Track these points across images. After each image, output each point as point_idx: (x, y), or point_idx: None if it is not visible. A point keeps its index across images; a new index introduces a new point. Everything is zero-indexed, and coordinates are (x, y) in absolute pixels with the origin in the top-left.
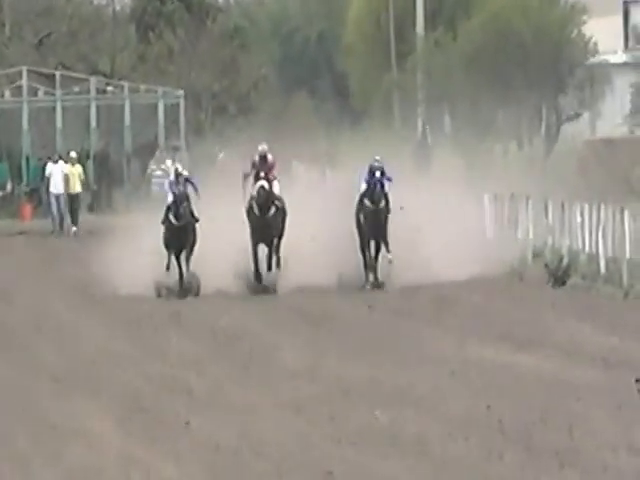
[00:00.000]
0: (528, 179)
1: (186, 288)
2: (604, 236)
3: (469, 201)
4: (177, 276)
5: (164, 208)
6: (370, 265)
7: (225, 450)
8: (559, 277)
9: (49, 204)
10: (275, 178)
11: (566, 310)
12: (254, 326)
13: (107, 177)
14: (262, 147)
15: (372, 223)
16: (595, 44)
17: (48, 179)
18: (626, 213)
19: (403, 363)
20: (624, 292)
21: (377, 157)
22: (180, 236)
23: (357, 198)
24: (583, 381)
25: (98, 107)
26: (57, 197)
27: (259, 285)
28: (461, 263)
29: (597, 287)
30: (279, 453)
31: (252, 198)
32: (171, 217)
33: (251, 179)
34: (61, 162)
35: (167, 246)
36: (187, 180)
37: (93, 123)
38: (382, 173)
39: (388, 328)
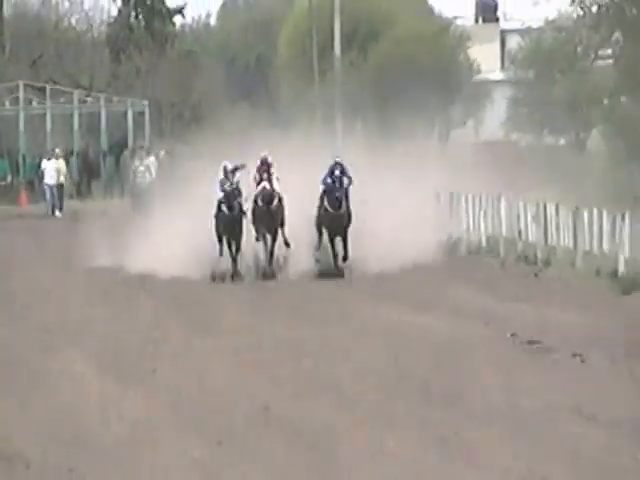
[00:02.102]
0: (428, 174)
1: (239, 272)
2: (485, 218)
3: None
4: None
5: (215, 202)
6: (333, 257)
7: (183, 390)
8: (448, 250)
9: (44, 192)
10: (275, 176)
11: (456, 278)
12: (207, 293)
13: (87, 170)
14: (264, 153)
15: (333, 226)
16: (478, 65)
17: (42, 172)
18: (502, 200)
19: (325, 322)
20: (500, 262)
21: (337, 157)
22: (233, 226)
23: (319, 196)
24: (468, 335)
25: (80, 114)
26: (50, 187)
27: (268, 268)
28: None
29: (480, 258)
30: (226, 392)
31: (257, 195)
32: (224, 209)
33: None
34: (53, 159)
35: (220, 235)
36: (234, 172)
37: (76, 127)
38: (342, 172)
39: (319, 295)
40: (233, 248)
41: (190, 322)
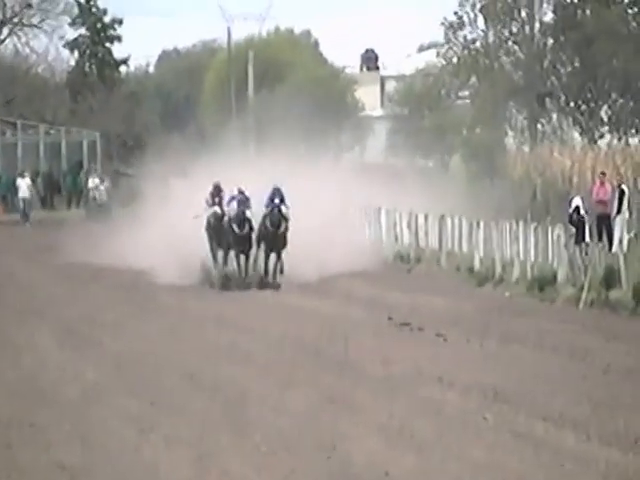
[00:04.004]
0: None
1: (248, 280)
2: (369, 226)
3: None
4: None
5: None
6: (267, 270)
7: (125, 360)
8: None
9: (18, 205)
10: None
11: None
12: (146, 281)
13: (50, 187)
14: (216, 180)
15: (271, 241)
16: (362, 104)
17: (17, 188)
18: (382, 211)
19: (242, 303)
20: (382, 261)
21: (276, 184)
22: (244, 243)
23: (262, 216)
24: (353, 317)
25: (45, 143)
26: (23, 200)
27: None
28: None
29: (366, 257)
30: (157, 361)
31: (265, 216)
32: (235, 229)
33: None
34: (27, 177)
35: (232, 248)
36: (246, 198)
37: (42, 153)
38: (281, 199)
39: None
40: (242, 260)
41: (132, 304)
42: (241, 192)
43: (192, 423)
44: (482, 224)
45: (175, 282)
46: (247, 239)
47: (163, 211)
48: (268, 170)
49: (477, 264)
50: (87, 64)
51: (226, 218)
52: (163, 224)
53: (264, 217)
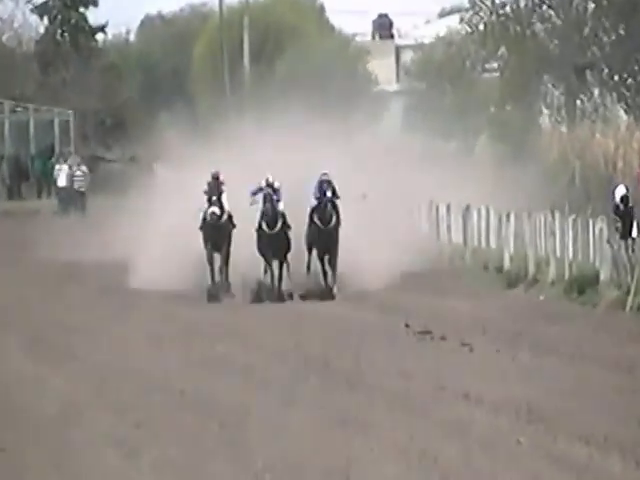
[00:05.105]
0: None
1: (282, 291)
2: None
3: None
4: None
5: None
6: (326, 277)
7: (106, 374)
8: None
9: None
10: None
11: None
12: (129, 282)
13: (17, 174)
14: (215, 170)
15: (323, 241)
16: (376, 77)
17: None
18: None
19: (239, 307)
20: None
21: (325, 172)
22: (274, 243)
23: (308, 212)
24: (366, 323)
25: (10, 123)
26: None
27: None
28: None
29: None
30: (143, 375)
31: (313, 212)
32: (264, 227)
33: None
34: None
35: (262, 252)
36: (275, 190)
37: (6, 134)
38: (333, 192)
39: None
40: (275, 266)
41: (110, 308)
42: (269, 185)
43: (183, 447)
44: (512, 216)
45: (163, 283)
46: (281, 239)
47: (147, 202)
48: (277, 158)
49: (507, 262)
50: (59, 31)
51: (225, 217)
52: (147, 217)
53: (312, 213)
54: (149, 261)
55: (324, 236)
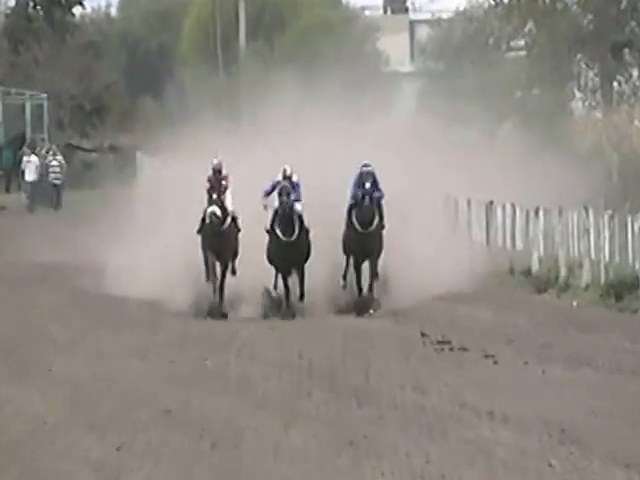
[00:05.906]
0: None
1: (291, 307)
2: None
3: None
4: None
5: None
6: (360, 287)
7: (83, 390)
8: None
9: None
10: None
11: None
12: (108, 287)
13: None
14: (216, 161)
15: (362, 247)
16: (387, 56)
17: None
18: None
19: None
20: None
21: (366, 162)
22: (293, 254)
23: (346, 211)
24: (378, 332)
25: None
26: None
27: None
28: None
29: None
30: (125, 392)
31: (351, 210)
32: (279, 234)
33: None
34: None
35: (274, 262)
36: (294, 185)
37: None
38: (373, 183)
39: None
40: (289, 279)
41: (89, 316)
42: (287, 177)
43: (170, 472)
44: (541, 213)
45: (147, 289)
46: (298, 247)
47: (130, 196)
48: (281, 147)
49: (535, 265)
50: (31, 5)
51: (229, 219)
52: (129, 213)
53: (349, 212)
54: (132, 264)
55: (363, 241)
